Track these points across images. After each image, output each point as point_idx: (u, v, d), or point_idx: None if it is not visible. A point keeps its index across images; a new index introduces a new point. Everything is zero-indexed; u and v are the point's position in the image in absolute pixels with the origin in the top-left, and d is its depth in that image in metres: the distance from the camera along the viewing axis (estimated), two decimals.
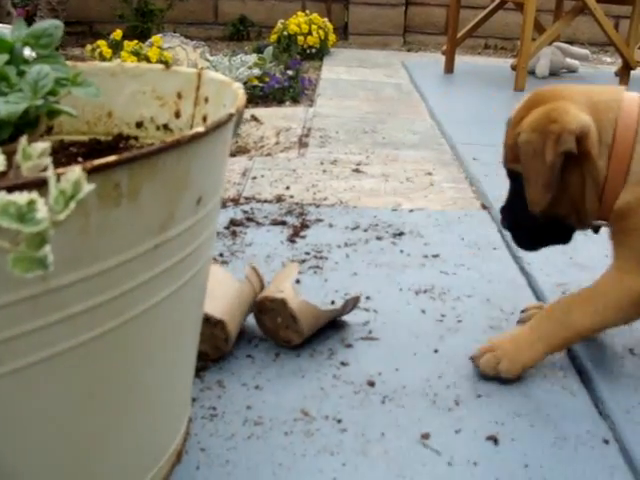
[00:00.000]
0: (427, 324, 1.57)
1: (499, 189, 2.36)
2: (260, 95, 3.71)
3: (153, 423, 1.03)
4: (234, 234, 1.97)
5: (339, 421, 1.25)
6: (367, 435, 1.22)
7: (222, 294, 1.39)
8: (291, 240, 1.95)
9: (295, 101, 3.75)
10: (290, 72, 3.83)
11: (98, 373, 0.88)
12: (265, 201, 2.26)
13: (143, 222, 0.84)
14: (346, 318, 1.57)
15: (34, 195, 0.61)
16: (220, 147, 0.96)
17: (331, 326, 1.53)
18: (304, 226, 2.04)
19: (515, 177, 1.40)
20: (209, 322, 1.35)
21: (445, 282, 1.76)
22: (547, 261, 1.88)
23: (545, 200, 1.31)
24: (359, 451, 1.18)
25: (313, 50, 5.18)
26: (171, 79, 1.24)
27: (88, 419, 0.87)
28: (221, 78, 1.17)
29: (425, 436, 1.22)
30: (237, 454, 1.17)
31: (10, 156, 0.76)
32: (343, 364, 1.42)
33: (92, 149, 1.26)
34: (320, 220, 2.10)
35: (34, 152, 0.67)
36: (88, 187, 0.61)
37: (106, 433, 0.91)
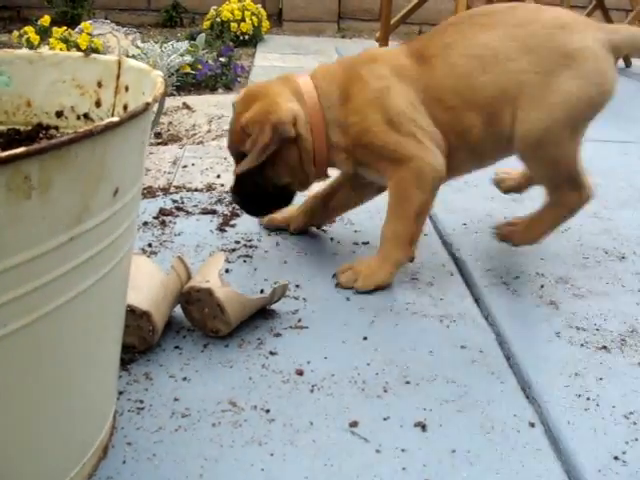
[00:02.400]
0: (355, 312, 1.57)
1: None
2: (192, 83, 3.66)
3: (75, 418, 1.01)
4: (163, 224, 1.94)
5: (267, 411, 1.25)
6: (295, 425, 1.22)
7: (147, 285, 1.37)
8: (221, 229, 1.93)
9: (228, 88, 3.71)
10: (222, 59, 3.78)
11: (10, 369, 0.85)
12: (196, 190, 2.23)
13: (56, 215, 0.82)
14: (275, 307, 1.56)
15: None
16: (137, 137, 0.94)
17: (260, 315, 1.53)
18: (234, 215, 2.02)
19: (241, 157, 1.69)
20: (134, 314, 1.33)
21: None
22: (475, 247, 1.91)
23: (273, 176, 1.71)
24: (287, 441, 1.18)
25: (246, 37, 5.13)
26: (91, 67, 1.21)
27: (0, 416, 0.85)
28: (141, 66, 1.15)
29: (353, 424, 1.23)
30: (164, 447, 1.15)
31: None
32: (272, 353, 1.41)
33: (11, 139, 1.23)
34: None
35: None
36: None
37: (23, 430, 0.89)
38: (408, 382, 1.34)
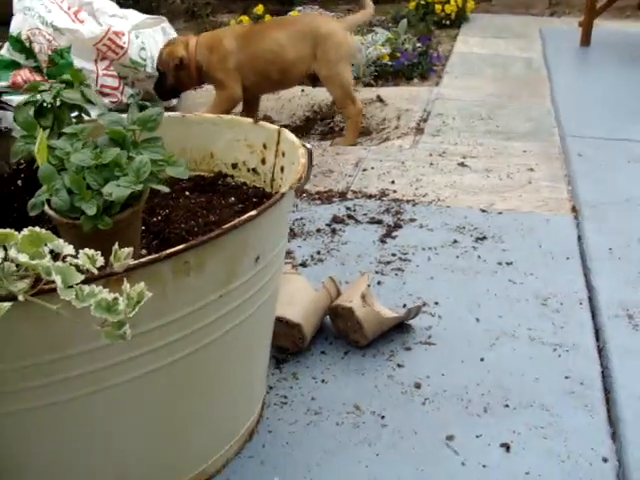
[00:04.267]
0: (480, 333, 1.81)
1: (594, 192, 2.52)
2: (390, 72, 3.92)
3: (231, 407, 1.37)
4: (334, 232, 2.26)
5: (382, 417, 1.54)
6: (402, 432, 1.50)
7: (300, 301, 1.70)
8: (382, 240, 2.22)
9: (423, 78, 3.93)
10: (419, 47, 3.99)
11: (183, 382, 1.22)
12: (370, 196, 2.53)
13: (208, 283, 1.16)
14: (412, 321, 1.83)
15: (117, 295, 0.93)
16: (275, 217, 1.25)
17: (398, 329, 1.81)
18: (397, 226, 2.30)
19: (160, 72, 3.19)
20: (288, 325, 1.67)
21: (509, 290, 1.97)
22: (616, 276, 2.04)
23: (171, 82, 3.20)
24: (392, 445, 1.47)
25: (449, 20, 5.25)
26: (259, 132, 1.54)
27: (177, 410, 1.22)
28: (294, 140, 1.45)
29: (450, 437, 1.49)
30: (296, 438, 1.49)
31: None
32: (399, 366, 1.70)
33: (196, 184, 1.60)
34: (413, 220, 2.35)
35: (122, 255, 0.99)
36: (148, 294, 0.92)
37: (192, 418, 1.26)
38: (507, 405, 1.57)
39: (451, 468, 1.41)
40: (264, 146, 1.54)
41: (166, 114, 1.67)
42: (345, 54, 3.09)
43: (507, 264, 2.11)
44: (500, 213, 2.41)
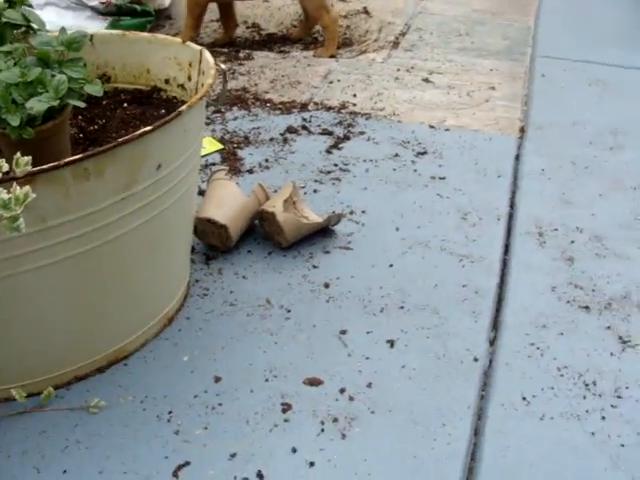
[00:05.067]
0: (397, 241, 1.98)
1: (546, 113, 2.64)
2: None
3: (147, 296, 1.58)
4: (285, 141, 2.42)
5: (289, 311, 1.74)
6: (303, 325, 1.71)
7: (229, 205, 1.89)
8: (328, 151, 2.37)
9: None
10: None
11: (93, 269, 1.42)
12: (330, 108, 2.67)
13: (109, 187, 1.34)
14: (336, 228, 2.01)
15: (10, 195, 1.11)
16: (176, 131, 1.42)
17: (321, 234, 1.99)
18: (346, 138, 2.45)
19: None
20: (215, 225, 1.86)
21: (435, 204, 2.13)
22: (541, 196, 2.19)
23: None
24: (291, 336, 1.68)
25: None
26: (186, 51, 1.69)
27: (93, 293, 1.43)
28: (209, 60, 1.60)
29: (343, 332, 1.69)
30: (209, 325, 1.70)
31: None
32: (314, 267, 1.89)
33: (134, 97, 1.76)
34: (363, 133, 2.50)
35: (22, 162, 1.17)
36: (32, 195, 1.10)
37: (108, 301, 1.47)
38: (402, 307, 1.76)
39: (337, 357, 1.62)
40: (190, 65, 1.69)
41: (109, 32, 1.83)
42: None
43: (440, 179, 2.26)
44: (447, 130, 2.54)
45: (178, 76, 1.72)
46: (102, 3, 3.35)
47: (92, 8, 3.33)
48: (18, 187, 1.12)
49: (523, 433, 1.44)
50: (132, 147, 1.33)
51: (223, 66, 1.58)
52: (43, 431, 1.43)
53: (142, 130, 1.32)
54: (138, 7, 3.46)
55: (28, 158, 1.19)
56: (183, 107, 1.40)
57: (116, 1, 3.37)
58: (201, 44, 3.22)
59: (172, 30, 3.57)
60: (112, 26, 3.30)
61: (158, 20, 3.61)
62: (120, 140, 1.30)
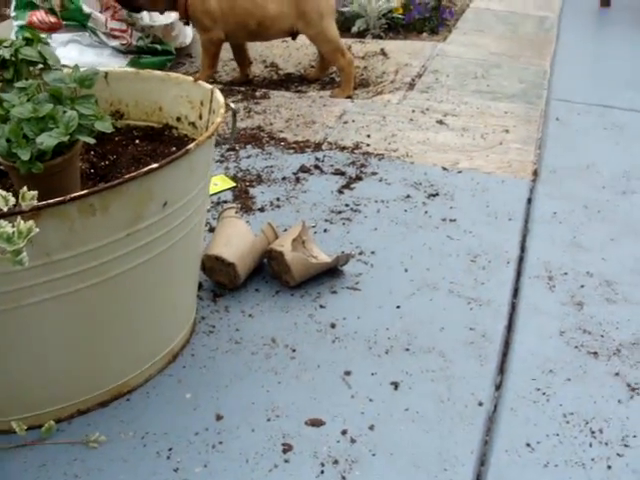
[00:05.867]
0: (405, 283, 1.98)
1: (559, 157, 2.64)
2: (402, 25, 4.01)
3: (150, 334, 1.58)
4: (297, 180, 2.44)
5: (294, 350, 1.74)
6: (307, 364, 1.70)
7: (237, 243, 1.89)
8: (340, 191, 2.39)
9: (433, 32, 4.01)
10: (432, 2, 4.06)
11: (94, 305, 1.43)
12: (343, 148, 2.69)
13: (114, 223, 1.35)
14: (345, 268, 2.01)
15: (14, 229, 1.13)
16: (183, 169, 1.44)
17: (329, 274, 1.99)
18: (358, 178, 2.46)
19: None
20: (224, 263, 1.87)
21: (444, 246, 2.13)
22: (551, 240, 2.18)
23: None
24: (295, 375, 1.67)
25: None
26: (197, 90, 1.72)
27: (94, 329, 1.44)
28: (220, 99, 1.62)
29: (347, 373, 1.68)
30: (213, 362, 1.70)
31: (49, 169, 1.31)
32: (321, 307, 1.89)
33: (146, 134, 1.79)
34: (375, 173, 2.51)
35: (28, 196, 1.19)
36: (35, 230, 1.11)
37: (110, 336, 1.47)
38: (407, 349, 1.75)
39: (341, 398, 1.61)
40: (201, 103, 1.72)
41: (123, 70, 1.86)
42: (327, 10, 3.15)
43: (450, 221, 2.26)
44: (460, 172, 2.55)
45: (190, 114, 1.74)
46: (123, 44, 3.41)
47: (113, 47, 3.39)
48: (22, 221, 1.13)
49: None
50: (138, 184, 1.34)
51: (233, 105, 1.60)
52: (43, 464, 1.43)
53: (148, 167, 1.34)
54: (159, 46, 3.52)
55: (34, 192, 1.21)
56: (191, 145, 1.42)
57: (137, 42, 3.43)
58: (220, 82, 3.32)
59: (192, 68, 3.63)
60: (133, 63, 3.36)
61: (179, 58, 3.68)
62: (126, 177, 1.31)
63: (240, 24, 3.16)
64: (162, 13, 3.32)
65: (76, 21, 3.32)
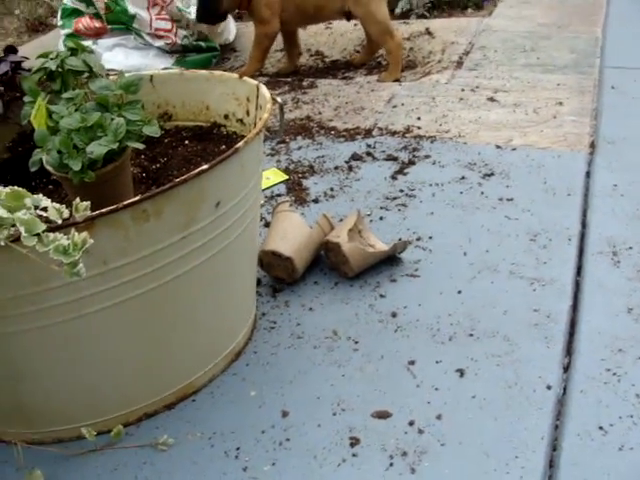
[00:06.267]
0: (464, 266, 1.94)
1: (617, 127, 2.55)
2: (446, 2, 3.94)
3: (211, 334, 1.59)
4: (350, 169, 2.42)
5: (356, 342, 1.73)
6: (370, 356, 1.69)
7: (293, 237, 1.89)
8: (393, 177, 2.36)
9: (478, 7, 3.94)
10: None
11: (154, 309, 1.44)
12: (394, 133, 2.65)
13: (168, 227, 1.36)
14: (403, 255, 1.99)
15: (70, 242, 1.14)
16: (234, 167, 1.43)
17: (388, 262, 1.97)
18: (411, 162, 2.43)
19: None
20: (281, 257, 1.86)
21: (503, 226, 2.08)
22: (613, 213, 2.12)
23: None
24: (359, 368, 1.66)
25: None
26: (243, 86, 1.71)
27: (156, 333, 1.45)
28: (266, 94, 1.61)
29: (411, 362, 1.66)
30: (276, 359, 1.70)
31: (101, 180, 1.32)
32: (382, 296, 1.87)
33: (195, 134, 1.79)
34: (428, 157, 2.47)
35: (81, 207, 1.20)
36: (90, 241, 1.12)
37: (172, 339, 1.48)
38: (471, 335, 1.72)
39: (406, 389, 1.59)
40: (247, 99, 1.71)
41: (168, 72, 1.86)
42: None
43: (507, 200, 2.22)
44: (514, 149, 2.49)
45: (237, 111, 1.74)
46: (167, 44, 3.43)
47: (158, 47, 3.41)
48: (76, 233, 1.14)
49: (601, 465, 1.38)
50: (189, 186, 1.34)
51: (279, 99, 1.58)
52: (114, 469, 1.45)
53: (199, 169, 1.34)
54: (204, 44, 3.53)
55: (87, 203, 1.22)
56: (240, 143, 1.41)
57: (182, 41, 3.45)
58: (266, 74, 3.32)
59: (237, 62, 3.64)
60: (178, 63, 3.38)
61: (223, 53, 3.68)
62: (177, 180, 1.31)
63: (300, 7, 3.19)
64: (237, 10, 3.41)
65: (121, 23, 3.36)
